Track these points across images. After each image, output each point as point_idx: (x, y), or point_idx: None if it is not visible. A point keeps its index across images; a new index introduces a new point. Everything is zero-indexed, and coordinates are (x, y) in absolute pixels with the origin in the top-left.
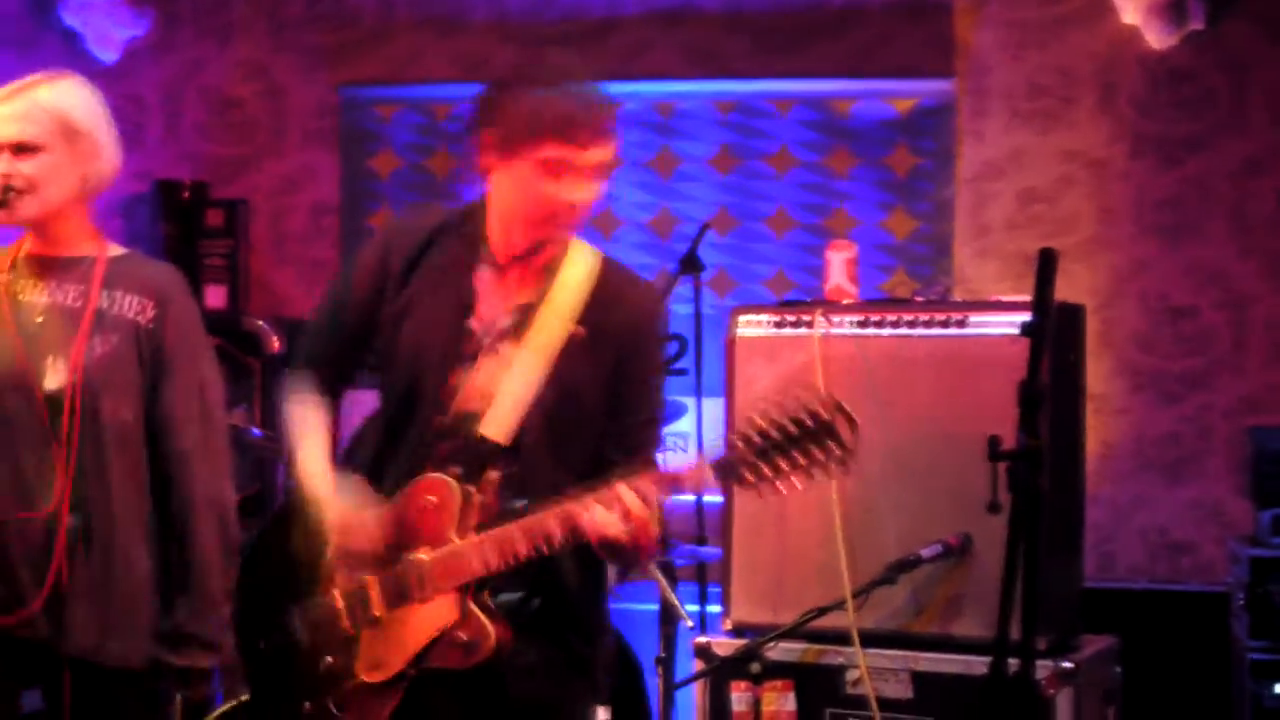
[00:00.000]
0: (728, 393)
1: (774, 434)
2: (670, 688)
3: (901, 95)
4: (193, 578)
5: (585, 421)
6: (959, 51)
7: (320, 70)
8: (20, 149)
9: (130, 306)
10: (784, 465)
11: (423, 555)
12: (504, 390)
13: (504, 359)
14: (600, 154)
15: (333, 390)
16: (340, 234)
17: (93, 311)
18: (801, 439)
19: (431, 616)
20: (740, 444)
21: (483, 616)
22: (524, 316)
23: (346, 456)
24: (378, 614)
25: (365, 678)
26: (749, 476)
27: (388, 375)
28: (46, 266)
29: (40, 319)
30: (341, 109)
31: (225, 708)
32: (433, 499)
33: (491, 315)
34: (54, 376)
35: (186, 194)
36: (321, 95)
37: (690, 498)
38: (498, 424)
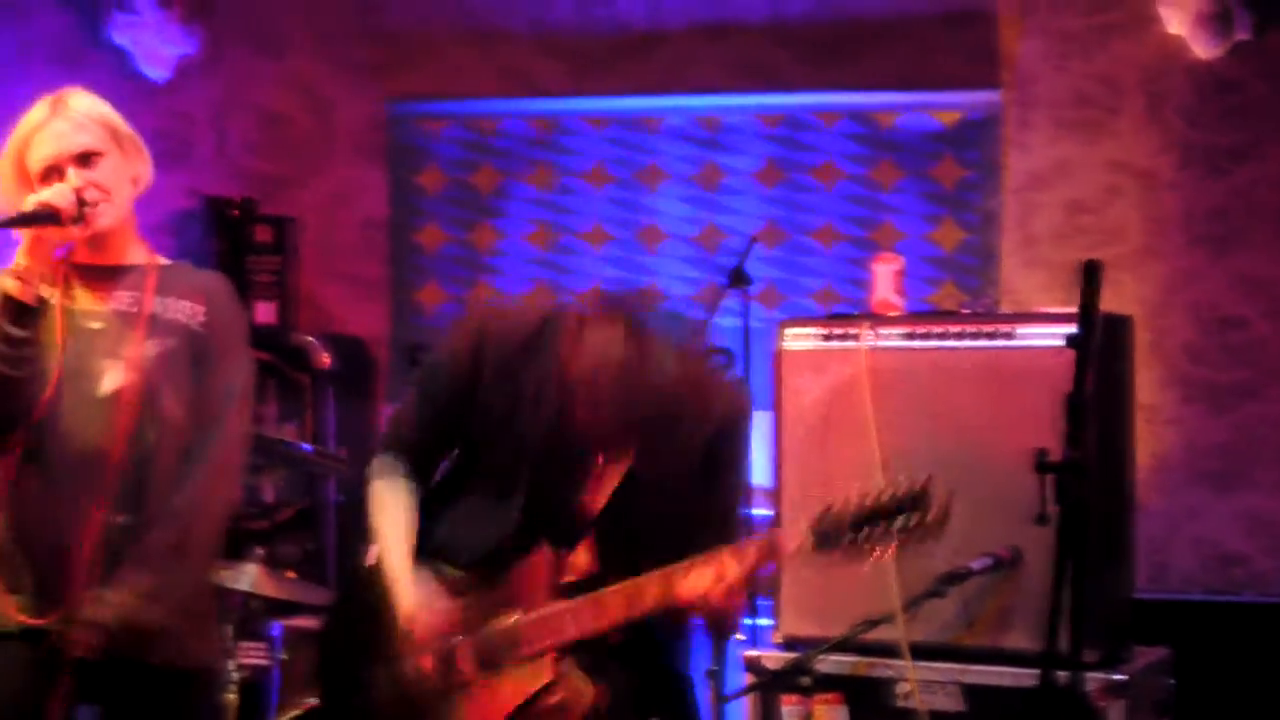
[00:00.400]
0: (775, 405)
1: (867, 504)
2: (721, 701)
3: (947, 107)
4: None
5: (670, 503)
6: (1004, 62)
7: (368, 86)
8: (84, 159)
9: (182, 310)
10: (878, 533)
11: (515, 619)
12: (597, 472)
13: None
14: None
15: (420, 474)
16: (388, 249)
17: (148, 316)
18: (892, 510)
19: (525, 680)
20: (839, 511)
21: (577, 680)
22: None
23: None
24: (468, 677)
25: None
26: (846, 546)
27: (485, 462)
28: (99, 276)
29: (96, 325)
30: (389, 125)
31: (291, 716)
32: (529, 563)
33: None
34: (111, 379)
35: (236, 210)
36: (369, 111)
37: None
38: (591, 496)
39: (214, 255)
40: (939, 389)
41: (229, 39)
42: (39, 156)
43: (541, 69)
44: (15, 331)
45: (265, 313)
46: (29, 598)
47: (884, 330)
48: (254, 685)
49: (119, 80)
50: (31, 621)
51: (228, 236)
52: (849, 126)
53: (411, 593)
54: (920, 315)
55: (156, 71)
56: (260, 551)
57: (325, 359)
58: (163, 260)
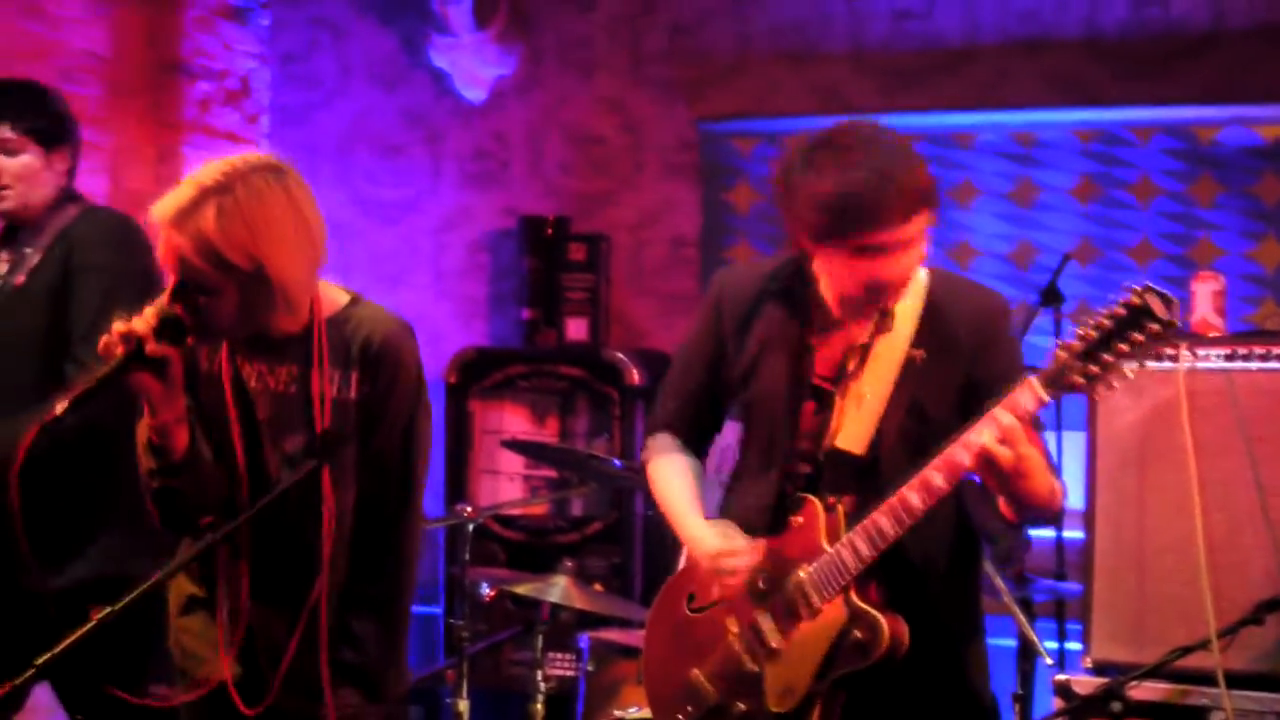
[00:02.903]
0: (1089, 427)
1: (1092, 334)
2: None
3: (1268, 121)
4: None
5: (936, 438)
6: None
7: (679, 105)
8: (200, 275)
9: (349, 385)
10: (1108, 358)
11: (802, 573)
12: (852, 417)
13: (850, 398)
14: (909, 228)
15: (693, 448)
16: (699, 267)
17: (314, 398)
18: (1119, 329)
19: (824, 628)
20: (1061, 352)
21: (872, 611)
22: (863, 356)
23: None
24: (775, 645)
25: (776, 709)
26: (1078, 380)
27: (746, 429)
28: (262, 347)
29: (260, 403)
30: (700, 143)
31: None
32: (799, 519)
33: (831, 364)
34: (278, 464)
35: (549, 229)
36: (680, 130)
37: (1050, 532)
38: (853, 442)
39: (528, 273)
40: (1261, 411)
41: (544, 59)
42: (163, 250)
43: (854, 86)
44: (166, 466)
45: (577, 329)
46: (233, 654)
47: (1203, 351)
48: (561, 697)
49: (437, 101)
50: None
51: (542, 254)
52: (1166, 142)
53: (710, 535)
54: (1242, 335)
55: (473, 93)
56: (569, 564)
57: (635, 375)
58: (330, 307)
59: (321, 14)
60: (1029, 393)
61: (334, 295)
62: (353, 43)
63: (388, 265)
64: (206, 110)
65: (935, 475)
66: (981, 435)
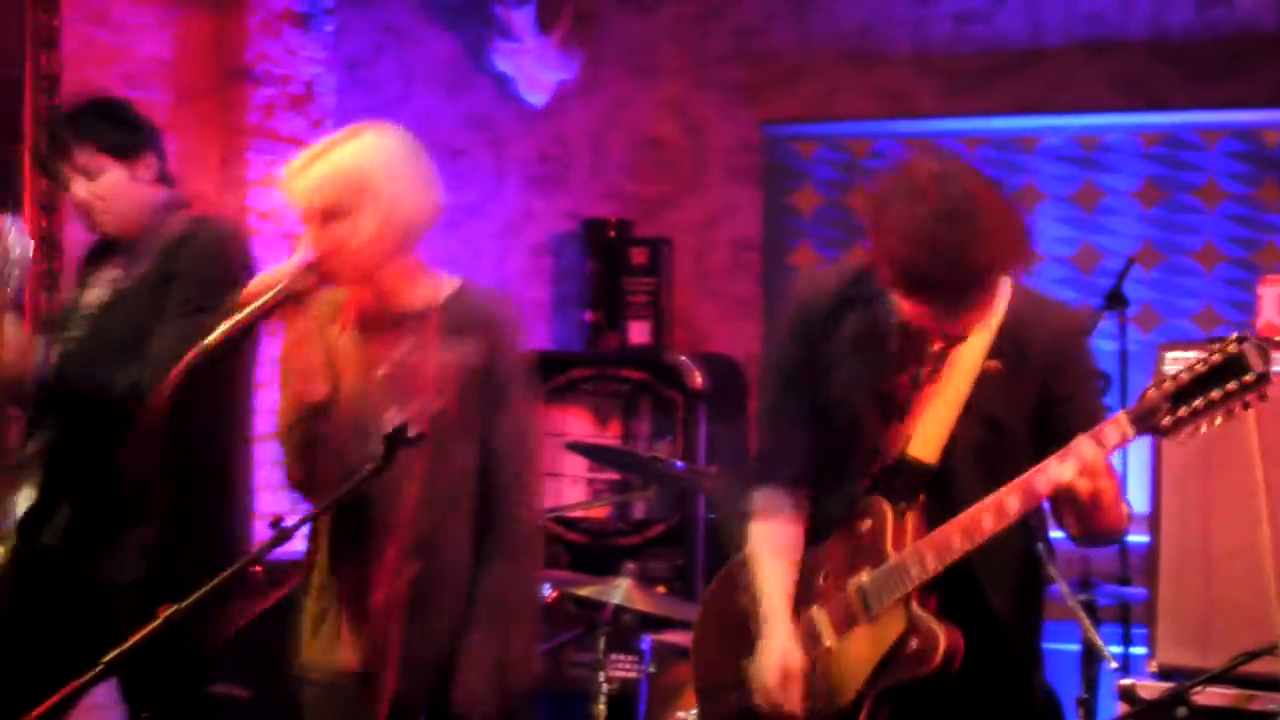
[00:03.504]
0: None
1: (1184, 377)
2: None
3: None
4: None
5: (1008, 451)
6: None
7: (741, 108)
8: (326, 216)
9: (466, 352)
10: (1198, 404)
11: (864, 576)
12: (925, 427)
13: (923, 406)
14: (968, 299)
15: (800, 489)
16: (761, 270)
17: (433, 364)
18: (1213, 376)
19: (880, 633)
20: (1153, 392)
21: (930, 622)
22: (938, 364)
23: None
24: (829, 644)
25: (823, 708)
26: (1165, 421)
27: (819, 436)
28: (380, 321)
29: (379, 373)
30: (763, 146)
31: None
32: (867, 522)
33: (906, 371)
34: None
35: (612, 232)
36: (743, 133)
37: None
38: (924, 450)
39: (590, 276)
40: None
41: (606, 63)
42: (291, 204)
43: (916, 89)
44: (313, 431)
45: (640, 332)
46: (345, 646)
47: (1271, 355)
48: (623, 698)
49: (499, 105)
50: (350, 668)
51: (604, 258)
52: (1232, 145)
53: (782, 653)
54: None
55: (536, 97)
56: (631, 566)
57: (698, 378)
58: (446, 288)
59: (386, 20)
60: (1115, 429)
61: (447, 279)
62: (416, 48)
63: (451, 269)
64: (270, 115)
65: (1011, 500)
66: (1063, 467)
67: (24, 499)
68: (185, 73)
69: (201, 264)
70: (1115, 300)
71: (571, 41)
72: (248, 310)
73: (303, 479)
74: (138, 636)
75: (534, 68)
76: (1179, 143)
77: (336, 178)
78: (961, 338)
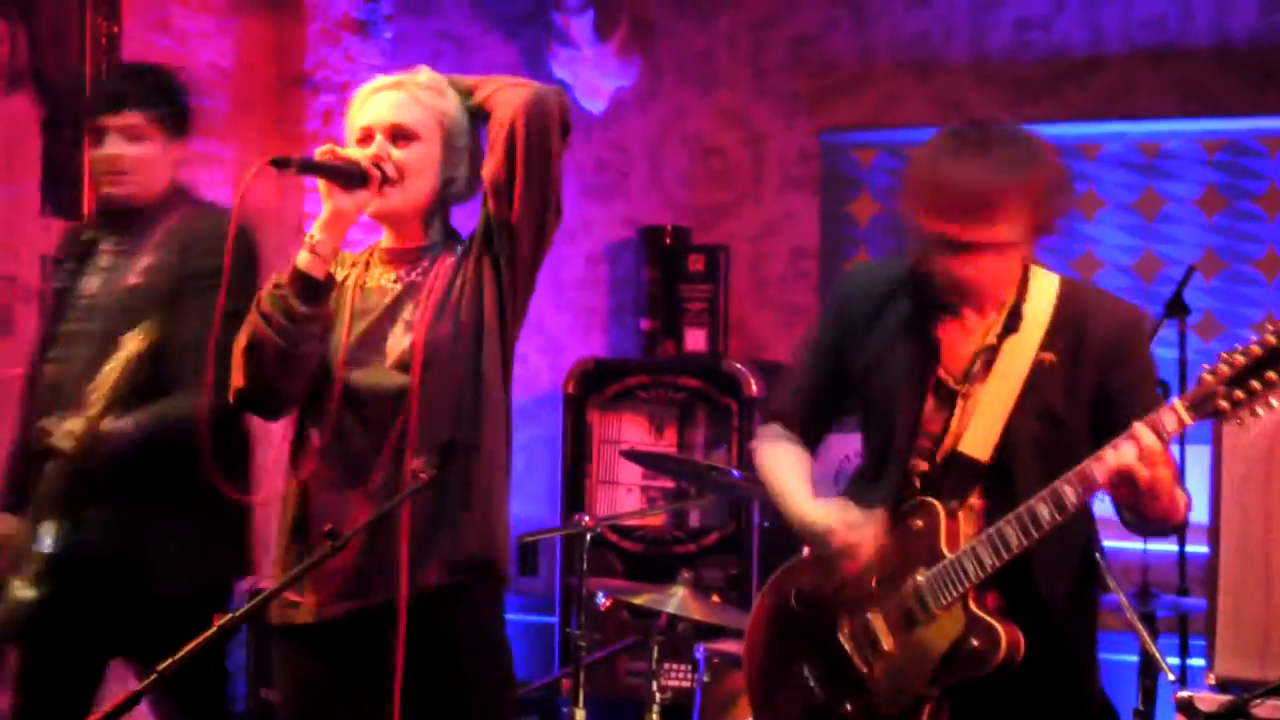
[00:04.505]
0: (1214, 440)
1: (1240, 359)
2: None
3: None
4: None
5: (1066, 444)
6: None
7: (800, 117)
8: (397, 135)
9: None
10: (1256, 386)
11: (919, 577)
12: (978, 423)
13: (974, 400)
14: (980, 234)
15: (806, 441)
16: (819, 278)
17: (441, 287)
18: (1270, 357)
19: (939, 634)
20: (1209, 377)
21: (990, 620)
22: (991, 356)
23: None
24: (887, 647)
25: (885, 711)
26: (1223, 405)
27: (866, 429)
28: (399, 257)
29: (389, 299)
30: (821, 154)
31: None
32: (920, 523)
33: (958, 361)
34: (396, 346)
35: (669, 240)
36: (801, 141)
37: (1173, 546)
38: (977, 447)
39: (648, 284)
40: None
41: (665, 71)
42: (360, 119)
43: (977, 96)
44: (301, 308)
45: (696, 340)
46: (322, 590)
47: None
48: (677, 707)
49: None
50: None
51: (661, 265)
52: None
53: (826, 515)
54: None
55: (594, 104)
56: (686, 575)
57: (754, 386)
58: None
59: (444, 27)
60: (1173, 415)
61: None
62: (475, 55)
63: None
64: (329, 123)
65: (1068, 490)
66: (1121, 453)
67: (48, 530)
68: (244, 80)
69: (217, 250)
70: (1176, 308)
71: (630, 49)
72: (320, 152)
73: (250, 382)
74: (193, 644)
75: (592, 75)
76: (1241, 150)
77: (426, 104)
78: (1019, 314)
